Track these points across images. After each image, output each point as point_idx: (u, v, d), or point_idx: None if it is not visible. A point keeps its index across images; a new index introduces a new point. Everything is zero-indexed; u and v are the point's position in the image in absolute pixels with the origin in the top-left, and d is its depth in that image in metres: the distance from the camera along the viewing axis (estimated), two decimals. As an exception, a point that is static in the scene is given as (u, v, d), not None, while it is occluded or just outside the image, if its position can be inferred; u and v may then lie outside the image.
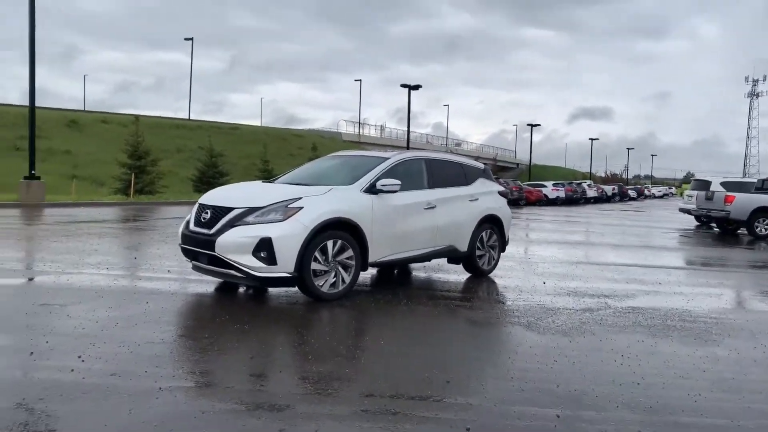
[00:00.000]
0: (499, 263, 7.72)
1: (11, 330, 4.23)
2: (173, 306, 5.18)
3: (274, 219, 5.28)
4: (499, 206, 7.62)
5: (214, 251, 5.29)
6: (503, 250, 7.75)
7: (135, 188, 20.11)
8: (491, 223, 7.47)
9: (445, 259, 7.15)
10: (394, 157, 6.54)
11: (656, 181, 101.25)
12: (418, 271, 7.65)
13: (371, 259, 5.92)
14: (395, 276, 7.27)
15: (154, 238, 9.92)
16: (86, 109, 58.95)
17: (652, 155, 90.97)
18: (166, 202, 19.74)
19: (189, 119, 55.10)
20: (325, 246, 5.47)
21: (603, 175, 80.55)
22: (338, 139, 61.64)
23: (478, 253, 7.29)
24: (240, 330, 4.48)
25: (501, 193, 7.84)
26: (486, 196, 7.45)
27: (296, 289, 5.56)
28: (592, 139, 59.60)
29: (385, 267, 6.79)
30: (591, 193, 40.59)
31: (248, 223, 5.28)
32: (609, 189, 45.46)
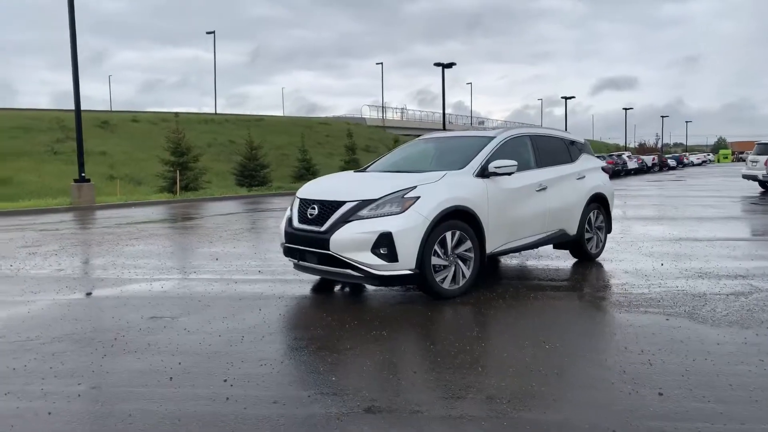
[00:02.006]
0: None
1: (135, 350, 3.81)
2: (289, 312, 4.73)
3: (391, 211, 4.77)
4: (604, 183, 7.00)
5: (328, 250, 4.81)
6: (609, 231, 7.14)
7: (180, 185, 19.86)
8: (598, 203, 6.86)
9: (550, 245, 6.58)
10: (500, 135, 5.96)
11: (688, 148, 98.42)
12: (516, 259, 7.09)
13: (488, 249, 5.38)
14: (497, 267, 6.73)
15: (223, 236, 9.53)
16: (114, 110, 59.36)
17: (687, 122, 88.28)
18: (213, 198, 19.47)
19: (216, 113, 55.01)
20: (444, 238, 4.94)
21: (634, 145, 78.52)
22: (363, 125, 61.07)
23: (586, 236, 6.70)
24: (378, 337, 4.00)
25: (604, 169, 7.21)
26: (592, 173, 6.84)
27: (392, 285, 5.05)
28: (625, 109, 57.91)
29: (497, 257, 6.23)
30: (632, 164, 39.34)
31: (363, 218, 4.78)
32: (649, 159, 44.06)
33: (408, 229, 4.70)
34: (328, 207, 4.99)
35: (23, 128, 36.36)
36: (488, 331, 4.24)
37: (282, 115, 68.24)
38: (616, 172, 36.14)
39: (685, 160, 55.54)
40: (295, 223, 5.23)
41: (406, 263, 4.71)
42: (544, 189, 6.02)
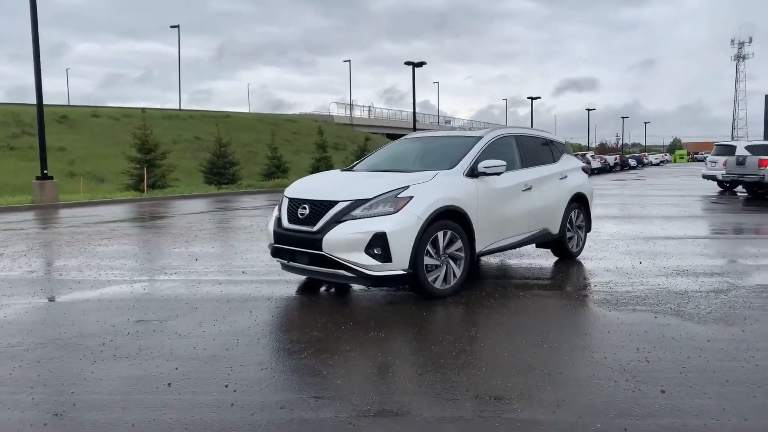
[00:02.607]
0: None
1: (127, 356, 3.68)
2: (280, 314, 4.65)
3: (384, 211, 4.74)
4: (584, 183, 7.13)
5: (320, 250, 4.75)
6: (589, 230, 7.27)
7: (147, 183, 19.34)
8: (579, 202, 6.98)
9: (533, 244, 6.66)
10: (488, 135, 6.00)
11: (645, 149, 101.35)
12: (497, 258, 7.16)
13: (477, 249, 5.41)
14: (479, 266, 6.78)
15: (198, 236, 9.33)
16: (72, 104, 57.43)
17: (645, 123, 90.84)
18: (182, 196, 19.02)
19: (180, 109, 53.88)
20: (436, 238, 4.95)
21: (595, 145, 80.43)
22: (331, 122, 60.76)
23: (568, 234, 6.81)
24: (376, 338, 3.97)
25: (584, 169, 7.34)
26: (573, 174, 6.95)
27: (385, 285, 5.04)
28: (588, 110, 59.20)
29: (482, 256, 6.27)
30: (595, 164, 40.21)
31: (356, 218, 4.74)
32: (611, 159, 45.16)
33: (402, 229, 4.68)
34: (320, 207, 4.92)
35: (-24, 123, 34.88)
36: (484, 330, 4.26)
37: (248, 111, 67.33)
38: (581, 171, 36.93)
39: (645, 160, 57.16)
40: (285, 223, 5.14)
41: (399, 263, 4.69)
42: (529, 189, 6.08)
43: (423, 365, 3.50)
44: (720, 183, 19.96)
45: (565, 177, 6.75)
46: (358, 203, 4.79)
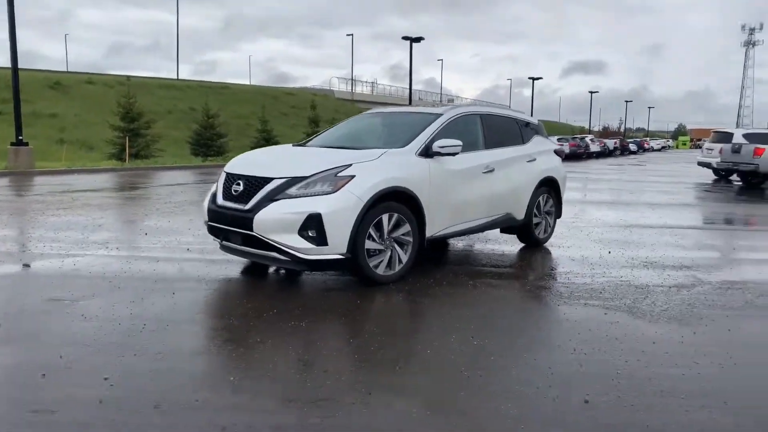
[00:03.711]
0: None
1: (16, 340, 3.39)
2: (204, 297, 4.34)
3: (322, 191, 4.40)
4: (555, 167, 6.76)
5: (251, 230, 4.42)
6: (559, 216, 6.93)
7: (130, 153, 18.96)
8: (548, 187, 6.63)
9: (497, 229, 6.34)
10: (448, 112, 5.62)
11: (649, 134, 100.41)
12: (463, 241, 6.84)
13: (428, 233, 5.08)
14: (446, 250, 6.46)
15: (161, 209, 9.00)
16: (71, 70, 56.69)
17: (649, 108, 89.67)
18: (164, 167, 18.66)
19: (177, 79, 53.17)
20: (380, 221, 4.61)
21: (598, 128, 79.62)
22: (331, 97, 60.05)
23: (534, 220, 6.47)
24: (295, 329, 3.66)
25: (556, 152, 6.97)
26: (543, 156, 6.58)
27: (322, 270, 4.73)
28: (591, 92, 58.37)
29: (437, 242, 5.95)
30: (594, 147, 39.68)
31: (291, 197, 4.40)
32: (611, 143, 44.56)
33: (339, 210, 4.35)
34: (254, 183, 4.58)
35: (-37, 87, 34.24)
36: (417, 322, 3.95)
37: (248, 83, 66.51)
38: (579, 154, 36.47)
39: (646, 146, 56.49)
40: (219, 199, 4.81)
41: (336, 247, 4.37)
42: (491, 171, 5.73)
43: (335, 362, 3.20)
44: (715, 171, 19.53)
45: (534, 160, 6.39)
46: (294, 181, 4.45)
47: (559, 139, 35.51)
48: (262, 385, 2.85)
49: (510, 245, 6.67)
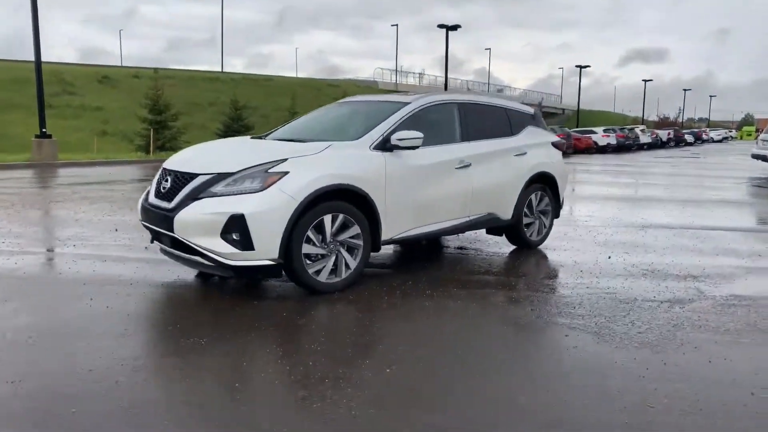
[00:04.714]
0: (553, 228, 6.23)
1: None
2: (118, 307, 3.91)
3: (249, 188, 3.94)
4: (552, 161, 6.07)
5: (172, 231, 4.02)
6: (557, 215, 6.24)
7: (156, 144, 19.12)
8: (542, 183, 5.96)
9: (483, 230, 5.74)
10: (417, 101, 5.05)
11: (712, 124, 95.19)
12: (451, 241, 6.25)
13: (385, 236, 4.55)
14: (421, 250, 5.91)
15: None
16: (125, 65, 58.48)
17: (711, 96, 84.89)
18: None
19: (222, 72, 53.99)
20: (321, 223, 4.12)
21: (655, 119, 76.00)
22: (375, 88, 59.60)
23: (525, 221, 5.82)
24: (194, 347, 3.23)
25: (555, 145, 6.26)
26: (536, 149, 5.90)
27: (252, 277, 4.27)
28: (645, 81, 55.58)
29: (405, 243, 5.41)
30: (644, 138, 37.70)
31: (215, 195, 3.96)
32: (664, 134, 42.27)
33: (267, 210, 3.88)
34: (181, 180, 4.18)
35: (21, 81, 35.65)
36: (341, 342, 3.44)
37: (294, 76, 66.91)
38: (627, 146, 34.71)
39: (704, 136, 53.38)
40: (151, 196, 4.43)
41: (265, 252, 3.91)
42: (466, 166, 5.13)
43: (231, 398, 2.74)
44: (772, 164, 17.99)
45: (524, 153, 5.72)
46: (219, 177, 4.01)
47: (605, 130, 33.88)
48: (117, 424, 2.43)
49: (499, 247, 6.05)
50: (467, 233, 6.36)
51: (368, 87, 56.98)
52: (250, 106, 23.75)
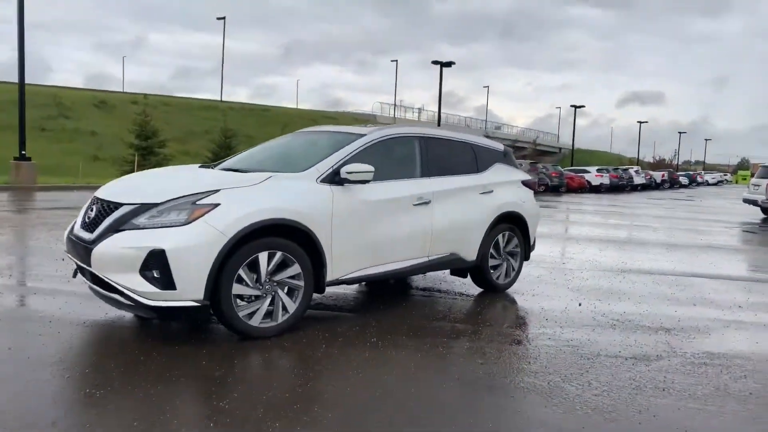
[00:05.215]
0: (527, 269, 5.89)
1: None
2: (29, 346, 3.57)
3: (173, 221, 3.61)
4: (521, 200, 5.76)
5: (90, 266, 3.68)
6: (527, 258, 5.90)
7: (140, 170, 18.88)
8: (511, 223, 5.64)
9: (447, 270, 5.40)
10: (373, 133, 4.78)
11: (709, 167, 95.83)
12: (418, 280, 5.90)
13: (331, 276, 4.21)
14: (383, 290, 5.55)
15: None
16: (126, 91, 58.88)
17: (706, 140, 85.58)
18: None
19: (221, 101, 54.30)
20: (256, 260, 3.78)
21: (651, 160, 76.44)
22: (373, 122, 59.84)
23: (491, 262, 5.48)
24: (89, 399, 2.85)
25: (526, 183, 5.97)
26: (504, 187, 5.61)
27: (176, 318, 3.90)
28: (640, 122, 56.01)
29: (363, 283, 5.05)
30: (638, 179, 37.72)
31: (137, 227, 3.63)
32: (658, 175, 42.36)
33: (191, 246, 3.54)
34: (105, 209, 3.85)
35: (12, 102, 35.62)
36: (263, 401, 3.06)
37: (294, 107, 67.38)
38: (620, 186, 34.67)
39: (699, 179, 53.52)
40: (76, 227, 4.09)
41: (188, 292, 3.55)
42: (425, 203, 4.82)
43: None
44: (763, 209, 17.79)
45: (490, 192, 5.43)
46: (144, 208, 3.68)
47: (598, 170, 33.87)
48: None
49: (466, 287, 5.70)
50: (436, 273, 6.02)
51: (365, 120, 57.32)
52: (242, 134, 23.55)
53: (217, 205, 3.68)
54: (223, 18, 52.29)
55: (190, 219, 3.60)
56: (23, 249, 6.55)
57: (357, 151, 4.50)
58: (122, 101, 42.86)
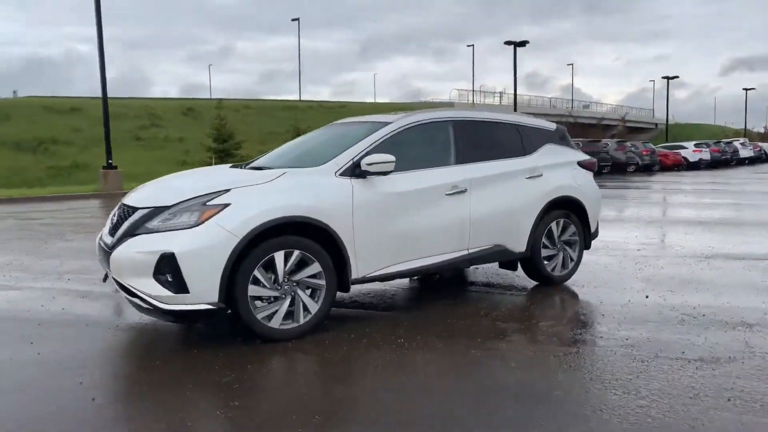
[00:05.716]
0: (594, 257, 5.37)
1: None
2: (60, 350, 3.64)
3: (184, 223, 3.52)
4: (578, 184, 5.23)
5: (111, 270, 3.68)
6: (587, 246, 5.36)
7: (219, 173, 19.63)
8: (566, 209, 5.14)
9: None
10: (398, 121, 4.48)
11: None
12: (476, 275, 5.54)
13: (356, 273, 3.98)
14: (432, 286, 5.25)
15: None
16: (212, 98, 61.93)
17: (827, 104, 76.54)
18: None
19: (300, 100, 55.64)
20: (272, 260, 3.63)
21: (761, 130, 69.80)
22: (450, 109, 58.91)
23: (545, 253, 5.02)
24: (99, 410, 2.81)
25: (583, 165, 5.42)
26: (556, 170, 5.11)
27: (194, 322, 3.79)
28: (746, 89, 51.12)
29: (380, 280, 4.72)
30: (745, 152, 34.42)
31: (151, 231, 3.58)
32: (769, 147, 38.43)
33: (201, 248, 3.44)
34: (125, 214, 3.84)
35: (114, 116, 38.30)
36: (265, 409, 2.89)
37: (372, 101, 67.86)
38: (724, 161, 31.85)
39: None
40: (105, 232, 4.13)
41: (201, 295, 3.46)
42: (461, 192, 4.46)
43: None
44: None
45: (539, 176, 4.96)
46: (157, 211, 3.62)
47: (696, 145, 31.22)
48: None
49: (521, 280, 5.28)
50: (490, 266, 5.62)
51: (443, 109, 56.46)
52: (304, 131, 23.91)
53: (227, 205, 3.56)
54: (297, 19, 53.37)
55: (201, 220, 3.50)
56: (89, 254, 6.87)
57: (380, 140, 4.23)
58: (208, 107, 45.00)
